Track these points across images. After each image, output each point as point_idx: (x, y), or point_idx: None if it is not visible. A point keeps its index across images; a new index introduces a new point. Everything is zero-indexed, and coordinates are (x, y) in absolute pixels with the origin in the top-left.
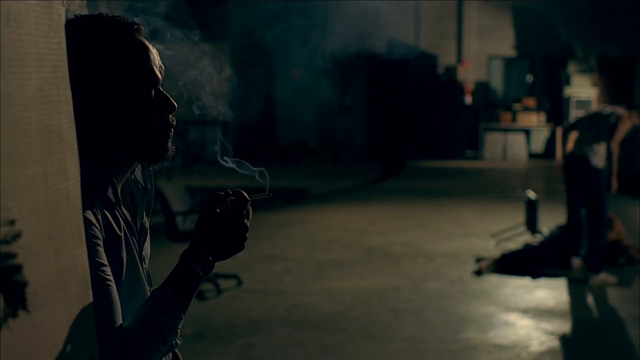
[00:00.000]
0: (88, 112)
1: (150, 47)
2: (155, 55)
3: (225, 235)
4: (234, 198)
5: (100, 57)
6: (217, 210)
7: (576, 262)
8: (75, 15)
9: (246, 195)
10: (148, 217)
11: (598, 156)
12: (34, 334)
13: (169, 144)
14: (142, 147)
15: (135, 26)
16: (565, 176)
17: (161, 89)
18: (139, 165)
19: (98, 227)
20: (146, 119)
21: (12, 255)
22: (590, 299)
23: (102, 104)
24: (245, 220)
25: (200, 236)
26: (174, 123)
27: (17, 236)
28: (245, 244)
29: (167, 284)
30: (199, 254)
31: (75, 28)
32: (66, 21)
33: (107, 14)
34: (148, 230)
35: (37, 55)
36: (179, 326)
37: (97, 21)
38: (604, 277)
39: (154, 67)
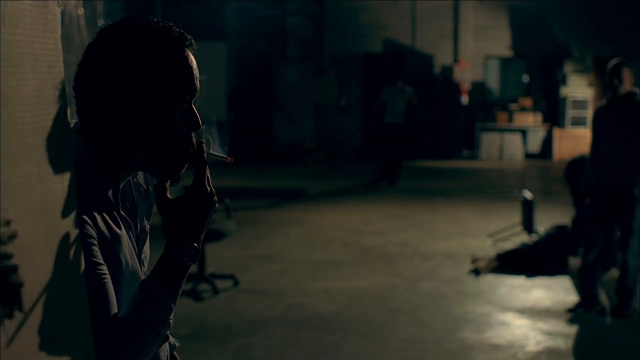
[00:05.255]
0: (114, 116)
1: (195, 61)
2: (197, 70)
3: (196, 212)
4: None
5: (147, 66)
6: (168, 195)
7: (574, 262)
8: (126, 16)
9: (204, 152)
10: (149, 220)
11: None
12: (29, 335)
13: (184, 166)
14: (158, 159)
15: (188, 41)
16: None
17: (193, 105)
18: None
19: (94, 226)
20: (173, 133)
21: (8, 256)
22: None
23: (134, 110)
24: (207, 185)
25: (173, 226)
26: (194, 144)
27: (13, 237)
28: (216, 205)
29: (155, 277)
30: (182, 243)
31: (126, 31)
32: (118, 21)
33: (161, 22)
34: (148, 233)
35: (33, 56)
36: (171, 317)
37: (150, 28)
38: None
39: (197, 83)
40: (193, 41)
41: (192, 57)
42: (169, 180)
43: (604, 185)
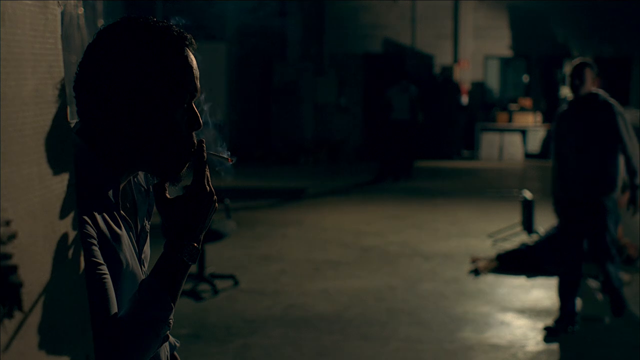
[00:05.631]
0: (114, 116)
1: (195, 61)
2: (197, 69)
3: (196, 212)
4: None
5: (147, 66)
6: (167, 195)
7: None
8: (126, 16)
9: (204, 152)
10: (149, 220)
11: None
12: (29, 335)
13: (185, 165)
14: (158, 159)
15: (188, 40)
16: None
17: (194, 104)
18: None
19: (94, 226)
20: (174, 132)
21: (8, 256)
22: (586, 299)
23: (135, 110)
24: (207, 185)
25: (173, 226)
26: (194, 143)
27: (12, 237)
28: (216, 205)
29: (155, 277)
30: (182, 243)
31: (126, 31)
32: (118, 21)
33: (161, 22)
34: (148, 233)
35: (33, 56)
36: (171, 317)
37: (150, 28)
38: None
39: (197, 82)
40: (193, 41)
41: (192, 57)
42: (168, 180)
43: (571, 195)
